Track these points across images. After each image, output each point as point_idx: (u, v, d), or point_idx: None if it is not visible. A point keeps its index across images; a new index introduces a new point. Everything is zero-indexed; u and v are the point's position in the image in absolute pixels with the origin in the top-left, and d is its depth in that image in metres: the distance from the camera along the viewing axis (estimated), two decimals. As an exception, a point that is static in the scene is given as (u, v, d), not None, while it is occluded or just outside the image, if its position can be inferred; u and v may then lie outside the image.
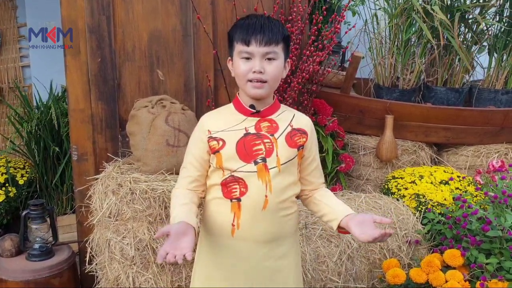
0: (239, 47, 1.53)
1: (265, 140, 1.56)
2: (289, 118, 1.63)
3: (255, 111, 1.59)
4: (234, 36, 1.55)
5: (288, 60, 1.62)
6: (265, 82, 1.52)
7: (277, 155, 1.56)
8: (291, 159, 1.58)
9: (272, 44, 1.51)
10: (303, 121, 1.65)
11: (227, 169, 1.56)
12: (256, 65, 1.51)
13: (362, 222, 1.51)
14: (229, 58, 1.61)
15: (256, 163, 1.54)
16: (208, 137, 1.58)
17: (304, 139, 1.61)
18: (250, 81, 1.52)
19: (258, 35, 1.50)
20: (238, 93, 1.63)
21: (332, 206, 1.62)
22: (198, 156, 1.60)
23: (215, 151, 1.57)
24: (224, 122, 1.60)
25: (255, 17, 1.55)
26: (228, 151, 1.55)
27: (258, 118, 1.59)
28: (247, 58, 1.52)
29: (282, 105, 1.67)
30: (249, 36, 1.50)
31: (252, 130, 1.57)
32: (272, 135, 1.57)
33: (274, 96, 1.64)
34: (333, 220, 1.59)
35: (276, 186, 1.55)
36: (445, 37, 3.01)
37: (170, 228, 1.40)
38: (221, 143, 1.56)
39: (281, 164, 1.56)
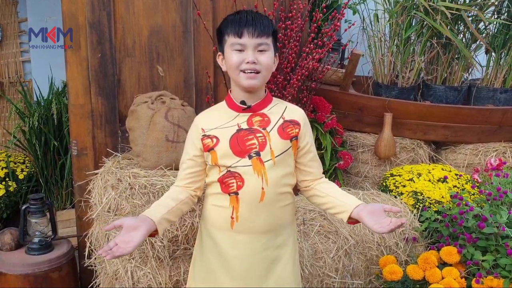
0: (231, 40, 1.56)
1: (258, 135, 1.59)
2: (281, 110, 1.65)
3: (246, 106, 1.62)
4: (225, 30, 1.58)
5: (277, 54, 1.66)
6: (258, 72, 1.55)
7: (270, 148, 1.59)
8: (285, 151, 1.61)
9: (263, 36, 1.55)
10: (295, 113, 1.67)
11: (222, 165, 1.59)
12: (249, 56, 1.54)
13: (374, 212, 1.54)
14: (219, 53, 1.65)
15: (250, 157, 1.57)
16: (202, 136, 1.62)
17: (297, 130, 1.63)
18: (244, 71, 1.55)
19: (251, 27, 1.53)
20: (230, 90, 1.66)
21: (340, 198, 1.64)
22: (192, 154, 1.65)
23: (209, 149, 1.60)
24: (217, 120, 1.64)
25: (245, 12, 1.59)
26: (222, 148, 1.59)
27: (249, 114, 1.62)
28: (240, 50, 1.55)
29: (274, 98, 1.70)
30: (241, 28, 1.54)
31: (244, 126, 1.60)
32: (264, 128, 1.60)
33: (266, 90, 1.67)
34: (343, 212, 1.61)
35: (272, 178, 1.58)
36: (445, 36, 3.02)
37: (123, 222, 1.47)
38: (215, 140, 1.60)
39: (276, 157, 1.59)
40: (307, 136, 1.67)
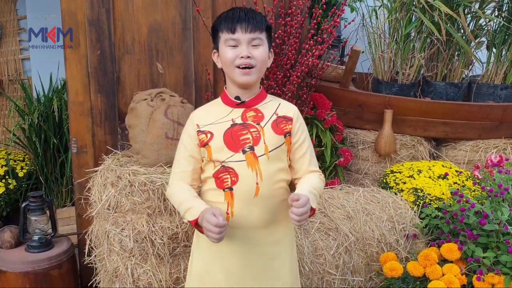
0: (225, 36, 1.57)
1: (252, 130, 1.61)
2: (275, 106, 1.67)
3: (240, 102, 1.63)
4: (219, 27, 1.60)
5: (271, 50, 1.67)
6: (253, 67, 1.57)
7: (264, 143, 1.60)
8: (278, 146, 1.62)
9: (257, 31, 1.56)
10: (288, 109, 1.69)
11: (217, 160, 1.60)
12: (244, 51, 1.55)
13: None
14: (214, 51, 1.66)
15: (244, 152, 1.59)
16: (197, 131, 1.64)
17: (290, 126, 1.64)
18: (238, 67, 1.57)
19: (244, 22, 1.55)
20: (225, 87, 1.68)
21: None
22: (190, 150, 1.66)
23: (204, 144, 1.62)
24: (212, 115, 1.65)
25: (238, 8, 1.61)
26: (216, 142, 1.60)
27: (243, 109, 1.64)
28: (234, 46, 1.57)
29: (268, 95, 1.72)
30: (234, 24, 1.55)
31: (238, 121, 1.62)
32: (258, 124, 1.62)
33: (260, 86, 1.69)
34: None
35: (266, 173, 1.59)
36: (446, 31, 3.00)
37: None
38: (209, 135, 1.61)
39: (269, 151, 1.60)
40: (299, 133, 1.66)
